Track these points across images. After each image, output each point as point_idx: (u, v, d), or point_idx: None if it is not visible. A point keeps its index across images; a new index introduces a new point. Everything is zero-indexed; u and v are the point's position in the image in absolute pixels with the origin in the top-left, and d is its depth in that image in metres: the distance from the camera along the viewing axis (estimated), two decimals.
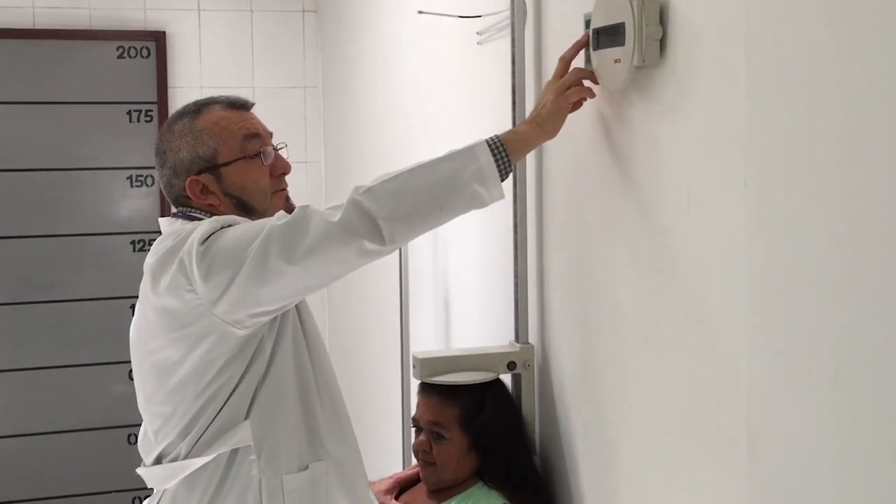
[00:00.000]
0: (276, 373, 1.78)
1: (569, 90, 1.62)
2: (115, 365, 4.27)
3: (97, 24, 4.22)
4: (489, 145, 1.63)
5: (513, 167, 1.66)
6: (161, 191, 4.36)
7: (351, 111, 3.80)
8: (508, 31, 1.93)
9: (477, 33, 2.20)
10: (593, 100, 1.63)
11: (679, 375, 1.40)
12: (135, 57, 4.26)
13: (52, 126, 4.20)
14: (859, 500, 1.03)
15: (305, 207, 1.67)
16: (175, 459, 1.81)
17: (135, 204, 4.30)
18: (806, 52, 1.10)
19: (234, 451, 1.77)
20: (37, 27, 4.16)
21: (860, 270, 1.01)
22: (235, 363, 1.74)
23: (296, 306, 1.82)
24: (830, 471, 1.08)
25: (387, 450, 3.16)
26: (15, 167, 4.18)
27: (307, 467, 1.80)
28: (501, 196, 1.65)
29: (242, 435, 1.77)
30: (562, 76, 1.64)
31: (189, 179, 1.81)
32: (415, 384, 2.06)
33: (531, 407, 1.96)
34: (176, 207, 1.87)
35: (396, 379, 2.79)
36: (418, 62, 2.83)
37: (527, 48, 1.92)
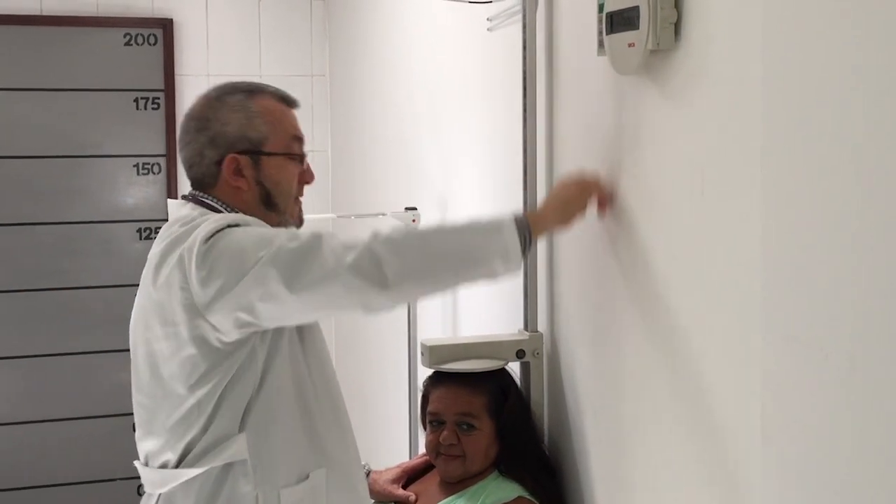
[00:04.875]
0: (272, 386, 1.73)
1: (591, 188, 1.65)
2: (120, 353, 4.22)
3: (104, 11, 4.21)
4: (516, 225, 1.61)
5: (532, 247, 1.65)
6: (168, 179, 4.38)
7: (358, 100, 3.79)
8: (519, 16, 1.92)
9: (487, 19, 2.18)
10: (606, 84, 1.62)
11: (692, 361, 1.39)
12: (142, 44, 4.25)
13: (58, 113, 4.19)
14: (876, 486, 1.02)
15: (320, 237, 1.62)
16: (165, 466, 1.77)
17: (141, 191, 4.30)
18: (823, 35, 1.08)
19: (229, 465, 1.73)
20: (44, 13, 4.15)
21: (877, 254, 1.00)
22: (219, 371, 1.69)
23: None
24: (846, 457, 1.07)
25: (393, 440, 3.15)
26: (21, 154, 4.18)
27: (308, 476, 1.77)
28: (518, 272, 1.64)
29: (236, 449, 1.73)
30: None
31: (230, 156, 1.76)
32: (422, 374, 2.05)
33: (540, 395, 1.95)
34: (192, 185, 1.83)
35: (404, 369, 2.78)
36: (427, 49, 2.81)
37: (538, 34, 1.90)
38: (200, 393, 1.71)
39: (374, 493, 2.04)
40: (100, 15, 4.20)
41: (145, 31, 4.24)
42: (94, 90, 4.22)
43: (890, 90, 0.98)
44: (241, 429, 1.73)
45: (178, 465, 1.75)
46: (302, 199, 1.88)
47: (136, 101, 4.26)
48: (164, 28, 4.24)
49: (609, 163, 1.64)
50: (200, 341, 1.68)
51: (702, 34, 1.34)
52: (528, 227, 1.62)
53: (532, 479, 1.86)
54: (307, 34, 4.43)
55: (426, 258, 1.62)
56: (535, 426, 1.92)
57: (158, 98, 4.27)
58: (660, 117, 1.46)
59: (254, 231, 1.67)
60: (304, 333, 1.80)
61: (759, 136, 1.20)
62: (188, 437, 1.74)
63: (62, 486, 4.29)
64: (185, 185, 4.70)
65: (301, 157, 1.83)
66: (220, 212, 1.76)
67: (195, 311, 1.66)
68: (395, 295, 1.61)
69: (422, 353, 1.95)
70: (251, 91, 1.81)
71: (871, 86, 1.00)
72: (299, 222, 1.86)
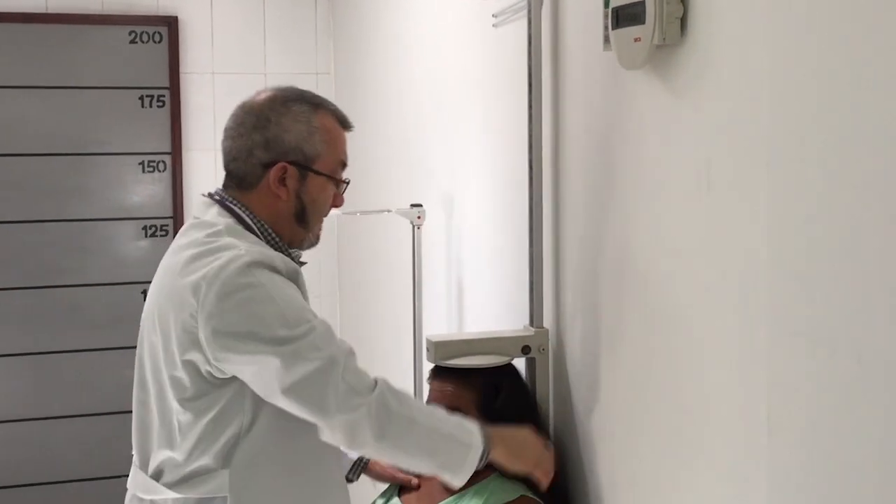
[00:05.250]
0: (263, 428, 1.72)
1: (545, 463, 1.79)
2: (125, 350, 4.24)
3: (109, 9, 4.22)
4: (481, 454, 1.71)
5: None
6: (173, 177, 4.38)
7: (363, 97, 3.79)
8: (525, 12, 1.92)
9: (493, 16, 2.18)
10: (612, 79, 1.62)
11: (698, 356, 1.39)
12: (147, 42, 4.25)
13: (63, 111, 4.20)
14: (882, 481, 1.02)
15: (337, 364, 1.65)
16: (155, 475, 1.77)
17: (146, 190, 4.30)
18: (830, 29, 1.08)
19: (210, 500, 1.72)
20: (49, 11, 4.16)
21: (884, 249, 1.00)
22: (207, 400, 1.69)
23: None
24: (852, 452, 1.06)
25: None
26: (26, 152, 4.18)
27: None
28: (462, 482, 1.73)
29: (217, 484, 1.72)
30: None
31: (280, 163, 1.75)
32: (427, 369, 2.05)
33: (546, 391, 1.95)
34: (227, 179, 1.82)
35: (409, 364, 2.78)
36: (432, 46, 2.81)
37: (544, 30, 1.90)
38: (188, 414, 1.70)
39: (374, 473, 2.04)
40: (105, 13, 4.20)
41: (150, 29, 4.25)
42: (100, 88, 4.23)
43: None
44: (224, 465, 1.71)
45: (158, 478, 1.76)
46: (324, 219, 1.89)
47: (141, 98, 4.26)
48: (170, 26, 4.24)
49: (613, 158, 1.64)
50: (191, 367, 1.68)
51: (708, 29, 1.34)
52: (487, 452, 1.72)
53: (534, 482, 1.85)
54: (312, 31, 4.43)
55: (405, 443, 1.69)
56: (538, 423, 1.92)
57: (164, 96, 4.27)
58: (666, 112, 1.45)
59: (278, 297, 1.65)
60: None
61: (765, 130, 1.20)
62: (169, 454, 1.74)
63: (66, 483, 4.30)
64: (190, 183, 4.68)
65: (342, 184, 1.84)
66: (246, 224, 1.76)
67: (194, 341, 1.65)
68: (359, 446, 1.69)
69: (427, 349, 1.95)
70: (316, 105, 1.81)
71: (879, 80, 1.00)
72: (317, 241, 1.87)
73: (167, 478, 1.75)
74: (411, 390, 2.77)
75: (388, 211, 2.75)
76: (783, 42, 1.16)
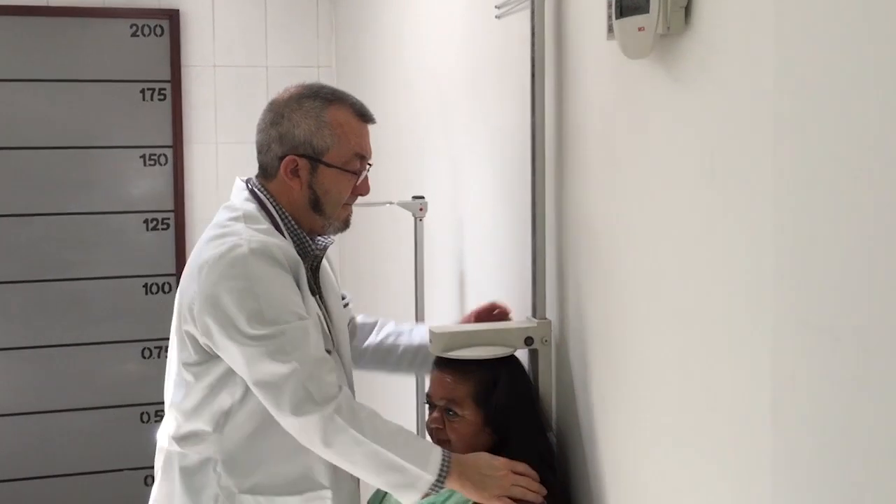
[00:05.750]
0: (252, 405, 1.87)
1: (520, 483, 1.79)
2: (128, 343, 4.28)
3: (111, 2, 4.22)
4: (432, 483, 1.78)
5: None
6: (175, 170, 4.39)
7: (365, 90, 3.78)
8: (528, 3, 1.91)
9: (496, 7, 2.18)
10: (616, 69, 1.61)
11: (702, 347, 1.38)
12: (148, 35, 4.25)
13: (65, 104, 4.20)
14: (887, 474, 1.02)
15: (305, 368, 1.78)
16: (168, 427, 1.97)
17: (148, 183, 4.30)
18: (836, 17, 1.08)
19: (206, 459, 1.91)
20: (51, 5, 4.16)
21: (889, 237, 1.00)
22: (204, 367, 1.87)
23: None
24: (857, 444, 1.06)
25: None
26: (29, 145, 4.19)
27: (293, 494, 1.91)
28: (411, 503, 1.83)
29: (208, 446, 1.90)
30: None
31: (290, 157, 1.90)
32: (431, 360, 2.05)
33: (548, 383, 1.95)
34: (258, 168, 1.97)
35: None
36: (434, 38, 2.81)
37: (547, 20, 1.90)
38: (189, 378, 1.89)
39: None
40: (106, 6, 4.20)
41: (152, 22, 4.25)
42: (101, 81, 4.23)
43: None
44: (217, 430, 1.89)
45: (170, 431, 1.96)
46: (352, 206, 1.99)
47: (142, 92, 4.27)
48: (171, 19, 4.25)
49: (616, 149, 1.64)
50: (191, 337, 1.87)
51: (712, 17, 1.33)
52: (442, 482, 1.79)
53: (532, 469, 1.85)
54: (314, 24, 4.43)
55: (351, 458, 1.80)
56: (537, 417, 1.91)
57: (165, 89, 4.27)
58: (670, 101, 1.45)
59: (261, 294, 1.79)
60: None
61: (770, 119, 1.19)
62: (175, 411, 1.94)
63: (70, 477, 4.31)
64: (192, 176, 4.71)
65: (357, 174, 1.93)
66: (267, 211, 1.91)
67: (192, 316, 1.84)
68: (308, 446, 1.81)
69: (429, 340, 1.95)
70: (331, 100, 1.93)
71: (886, 69, 1.00)
72: (344, 226, 1.99)
73: (175, 432, 1.94)
74: (413, 382, 2.78)
75: (391, 203, 2.75)
76: (788, 30, 1.16)
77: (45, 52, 4.16)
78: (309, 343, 1.80)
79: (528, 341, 1.92)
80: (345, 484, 1.94)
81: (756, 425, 1.24)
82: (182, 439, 1.93)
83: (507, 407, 1.88)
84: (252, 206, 1.91)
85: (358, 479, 1.96)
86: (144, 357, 4.29)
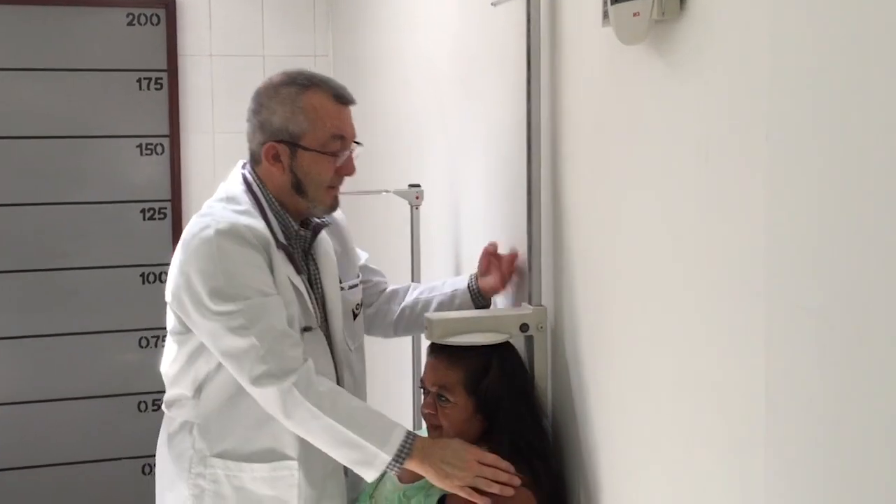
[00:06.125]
0: (228, 374, 1.94)
1: (485, 475, 1.79)
2: (125, 333, 4.28)
3: None
4: (397, 455, 1.83)
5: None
6: (171, 159, 4.38)
7: (362, 79, 3.78)
8: None
9: None
10: (611, 55, 1.61)
11: (696, 334, 1.39)
12: (144, 24, 4.24)
13: (61, 93, 4.19)
14: (880, 457, 1.02)
15: (284, 380, 1.86)
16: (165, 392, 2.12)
17: (145, 172, 4.30)
18: (833, 2, 1.08)
19: (187, 422, 2.03)
20: None
21: (883, 222, 1.00)
22: (183, 336, 2.00)
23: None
24: (850, 427, 1.06)
25: (397, 411, 3.16)
26: (25, 134, 4.18)
27: (263, 461, 1.99)
28: (369, 479, 1.89)
29: (188, 410, 2.03)
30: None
31: (269, 144, 1.97)
32: (426, 346, 2.05)
33: (544, 369, 1.95)
34: (249, 156, 2.06)
35: (407, 340, 2.79)
36: (431, 26, 2.80)
37: (542, 6, 1.90)
38: (174, 345, 2.03)
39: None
40: None
41: (148, 11, 4.24)
42: (98, 70, 4.22)
43: None
44: (196, 395, 2.02)
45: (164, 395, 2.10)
46: (339, 187, 2.05)
47: (139, 81, 4.26)
48: (167, 8, 4.23)
49: (611, 134, 1.64)
50: (173, 304, 1.98)
51: (707, 3, 1.33)
52: (401, 463, 1.84)
53: (521, 456, 1.85)
54: (310, 13, 4.42)
55: (309, 431, 1.87)
56: (530, 404, 1.91)
57: (161, 78, 4.27)
58: (665, 87, 1.45)
59: (223, 272, 1.89)
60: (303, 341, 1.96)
61: (764, 104, 1.19)
62: (165, 378, 2.08)
63: (67, 466, 4.31)
64: (189, 165, 4.70)
65: (337, 155, 1.98)
66: (254, 194, 2.01)
67: (171, 291, 1.98)
68: (273, 415, 1.89)
69: (425, 327, 1.95)
70: (307, 85, 1.98)
71: (882, 55, 1.00)
72: (331, 208, 2.06)
73: (166, 397, 2.09)
74: (410, 368, 2.78)
75: (387, 191, 2.75)
76: (783, 15, 1.16)
77: (41, 42, 4.15)
78: (270, 318, 1.87)
79: (524, 328, 1.93)
80: (316, 457, 1.97)
81: (750, 407, 1.24)
82: (169, 404, 2.08)
83: (498, 394, 1.89)
84: (239, 189, 2.01)
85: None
86: (142, 346, 4.29)
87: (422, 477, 1.90)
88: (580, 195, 1.80)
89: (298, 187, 1.99)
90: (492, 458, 1.82)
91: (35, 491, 4.28)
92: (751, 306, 1.23)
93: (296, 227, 2.03)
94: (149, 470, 4.22)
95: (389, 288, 2.33)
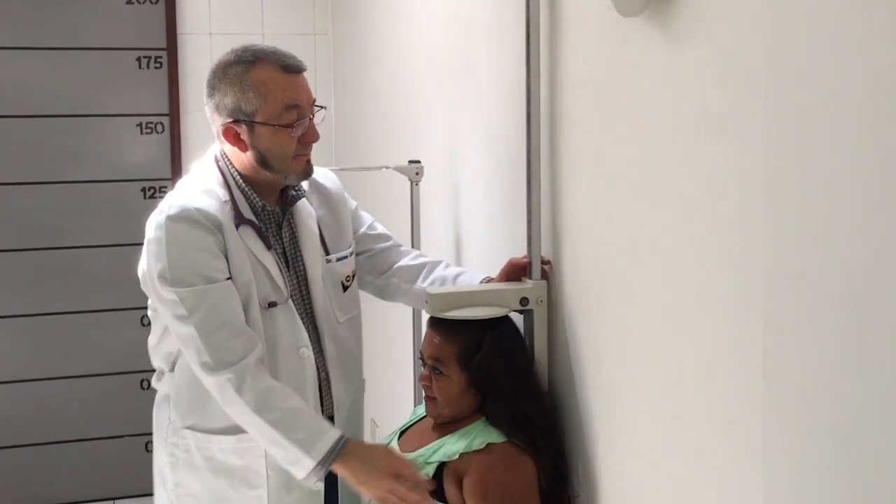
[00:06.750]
0: None
1: (396, 495, 1.84)
2: (127, 311, 4.29)
3: None
4: (322, 461, 1.87)
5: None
6: (171, 138, 4.38)
7: (361, 56, 3.77)
8: None
9: None
10: (609, 27, 1.61)
11: (694, 305, 1.39)
12: (144, 3, 4.23)
13: (61, 72, 4.18)
14: (879, 426, 1.03)
15: (222, 373, 1.91)
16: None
17: (145, 151, 4.30)
18: None
19: (167, 395, 2.11)
20: None
21: (881, 190, 1.00)
22: (153, 311, 2.06)
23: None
24: (849, 395, 1.07)
25: (398, 382, 3.18)
26: (25, 113, 4.18)
27: (230, 436, 2.03)
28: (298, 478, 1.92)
29: (165, 382, 2.12)
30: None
31: (226, 125, 1.98)
32: (426, 319, 2.06)
33: (543, 343, 1.96)
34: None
35: (408, 313, 2.80)
36: (430, 5, 2.80)
37: None
38: (152, 320, 2.09)
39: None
40: None
41: None
42: (97, 49, 4.21)
43: None
44: (171, 369, 2.08)
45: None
46: (308, 154, 2.04)
47: (138, 59, 4.25)
48: None
49: (609, 107, 1.64)
50: (142, 283, 2.04)
51: None
52: (327, 468, 1.88)
53: (517, 429, 1.85)
54: None
55: (245, 425, 1.93)
56: (526, 378, 1.91)
57: (161, 57, 4.26)
58: (663, 58, 1.45)
59: (168, 255, 1.92)
60: (266, 317, 2.00)
61: (763, 75, 1.19)
62: (150, 352, 2.15)
63: (71, 443, 4.33)
64: (188, 144, 4.70)
65: (294, 125, 1.97)
66: (222, 173, 2.03)
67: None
68: (217, 399, 1.94)
69: (425, 301, 1.96)
70: (252, 61, 1.97)
71: (880, 27, 1.00)
72: (304, 174, 2.06)
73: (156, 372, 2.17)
74: (410, 340, 2.79)
75: (387, 167, 2.75)
76: None
77: (40, 21, 4.14)
78: (213, 306, 1.91)
79: (524, 302, 1.93)
80: None
81: (748, 377, 1.25)
82: (155, 377, 2.17)
83: (491, 369, 1.89)
84: (207, 167, 2.05)
85: None
86: (143, 324, 4.30)
87: (423, 445, 1.91)
88: (579, 167, 1.81)
89: (264, 162, 2.00)
90: (409, 471, 1.86)
91: (39, 468, 4.30)
92: (750, 278, 1.24)
93: (261, 203, 2.04)
94: (151, 447, 4.24)
95: (402, 261, 2.27)
